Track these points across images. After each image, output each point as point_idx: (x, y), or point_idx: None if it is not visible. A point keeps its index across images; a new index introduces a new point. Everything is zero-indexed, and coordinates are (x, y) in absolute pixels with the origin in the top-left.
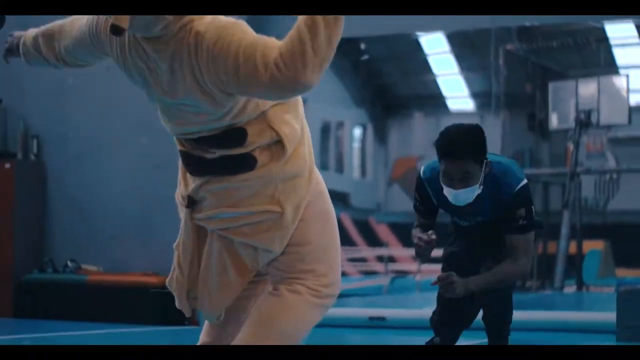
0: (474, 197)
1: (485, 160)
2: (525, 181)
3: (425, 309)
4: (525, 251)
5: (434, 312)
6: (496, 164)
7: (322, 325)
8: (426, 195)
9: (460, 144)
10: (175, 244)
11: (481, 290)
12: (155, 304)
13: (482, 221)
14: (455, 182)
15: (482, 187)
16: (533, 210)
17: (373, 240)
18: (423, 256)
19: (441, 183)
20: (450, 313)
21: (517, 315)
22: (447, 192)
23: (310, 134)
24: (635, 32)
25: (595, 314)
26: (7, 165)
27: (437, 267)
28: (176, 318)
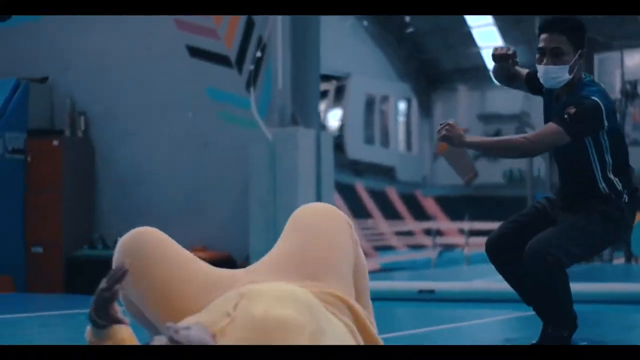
0: (562, 81)
1: (581, 50)
2: (600, 104)
3: (474, 281)
4: (544, 137)
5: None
6: (589, 82)
7: (371, 299)
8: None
9: (560, 19)
10: None
11: (474, 148)
12: None
13: None
14: (547, 56)
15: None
16: (584, 124)
17: (419, 213)
18: (497, 58)
19: (536, 64)
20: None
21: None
22: (539, 69)
23: None
24: None
25: None
26: (55, 143)
27: (483, 239)
28: None
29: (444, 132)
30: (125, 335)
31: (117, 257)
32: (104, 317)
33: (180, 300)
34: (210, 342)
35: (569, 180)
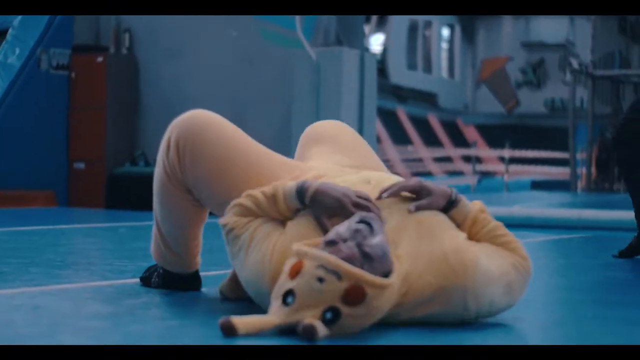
0: None
1: None
2: None
3: (514, 206)
4: None
5: None
6: None
7: None
8: None
9: None
10: None
11: None
12: None
13: None
14: None
15: None
16: None
17: (460, 141)
18: None
19: None
20: None
21: (607, 214)
22: None
23: None
24: None
25: None
26: (100, 59)
27: (526, 168)
28: None
29: None
30: None
31: (167, 136)
32: None
33: (245, 173)
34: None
35: None
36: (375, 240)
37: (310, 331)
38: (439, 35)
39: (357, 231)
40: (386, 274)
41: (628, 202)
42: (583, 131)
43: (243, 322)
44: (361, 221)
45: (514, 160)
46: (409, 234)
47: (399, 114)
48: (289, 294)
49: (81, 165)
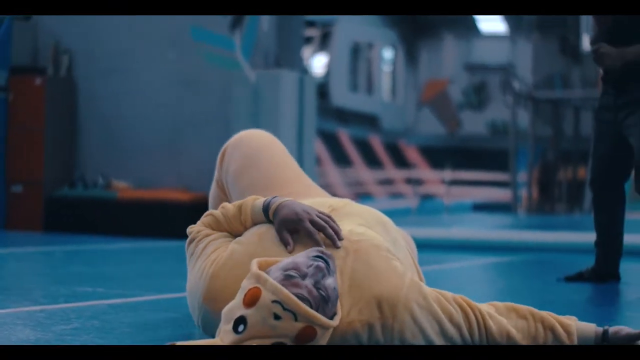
0: None
1: None
2: None
3: (453, 228)
4: None
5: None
6: None
7: None
8: None
9: None
10: None
11: (637, 58)
12: (184, 219)
13: None
14: None
15: None
16: None
17: (402, 162)
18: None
19: None
20: (603, 162)
21: (547, 236)
22: None
23: None
24: None
25: (626, 237)
26: (38, 81)
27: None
28: None
29: (602, 56)
30: None
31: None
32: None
33: (262, 177)
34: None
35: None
36: (330, 281)
37: None
38: (381, 56)
39: (317, 268)
40: (333, 315)
41: (568, 223)
42: (524, 153)
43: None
44: (319, 256)
45: (455, 182)
46: (348, 265)
47: (341, 135)
48: (241, 322)
49: (19, 188)
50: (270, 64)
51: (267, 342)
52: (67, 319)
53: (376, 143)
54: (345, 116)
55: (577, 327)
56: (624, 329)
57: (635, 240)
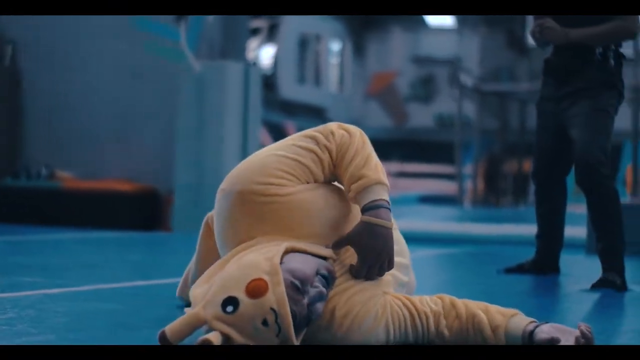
0: None
1: None
2: None
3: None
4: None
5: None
6: None
7: None
8: None
9: None
10: None
11: (583, 41)
12: (128, 210)
13: None
14: None
15: None
16: None
17: None
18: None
19: None
20: (546, 154)
21: (492, 229)
22: None
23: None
24: None
25: (567, 229)
26: None
27: (414, 182)
28: (148, 224)
29: (546, 30)
30: None
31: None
32: None
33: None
34: None
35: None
36: (319, 306)
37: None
38: (329, 49)
39: (320, 294)
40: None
41: (513, 216)
42: (471, 146)
43: (173, 327)
44: (327, 278)
45: (402, 175)
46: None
47: (288, 127)
48: (232, 303)
49: None
50: (215, 55)
51: (239, 338)
52: (3, 308)
53: None
54: (292, 108)
55: (507, 329)
56: (550, 332)
57: (576, 233)
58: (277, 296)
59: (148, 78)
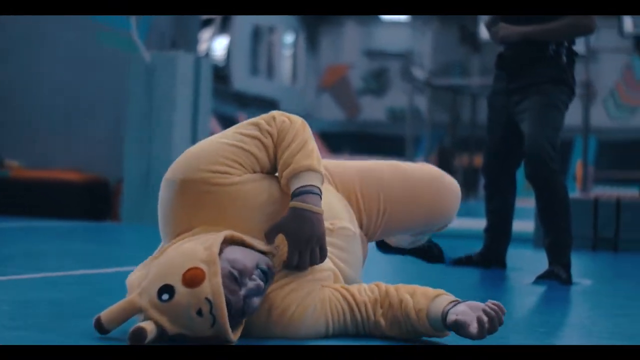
0: None
1: None
2: None
3: None
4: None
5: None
6: None
7: None
8: None
9: None
10: None
11: (537, 37)
12: (77, 199)
13: None
14: None
15: None
16: None
17: None
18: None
19: None
20: (496, 148)
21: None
22: None
23: None
24: None
25: (515, 223)
26: None
27: None
28: (97, 213)
29: (501, 33)
30: None
31: None
32: None
33: None
34: None
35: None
36: (256, 300)
37: (139, 336)
38: (283, 41)
39: (257, 287)
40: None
41: (463, 210)
42: (422, 139)
43: (109, 313)
44: (266, 273)
45: None
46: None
47: (240, 120)
48: (168, 292)
49: None
50: (166, 45)
51: (172, 328)
52: None
53: None
54: (245, 100)
55: (429, 311)
56: (460, 312)
57: (523, 227)
58: (213, 286)
59: (97, 67)
